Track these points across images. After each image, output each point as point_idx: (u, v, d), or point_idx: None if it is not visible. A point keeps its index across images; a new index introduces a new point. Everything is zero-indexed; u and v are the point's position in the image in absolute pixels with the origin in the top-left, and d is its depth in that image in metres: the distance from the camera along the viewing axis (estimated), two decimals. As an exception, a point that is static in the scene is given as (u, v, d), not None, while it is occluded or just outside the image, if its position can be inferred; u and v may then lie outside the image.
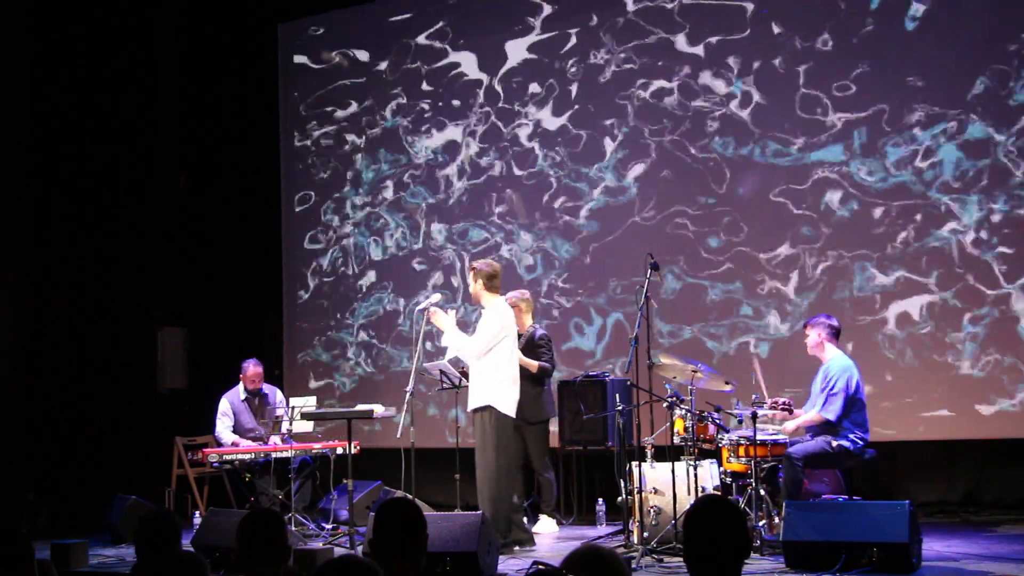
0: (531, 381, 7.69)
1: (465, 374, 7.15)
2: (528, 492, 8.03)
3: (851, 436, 6.64)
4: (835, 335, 6.92)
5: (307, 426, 8.27)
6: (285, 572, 3.61)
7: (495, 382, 6.76)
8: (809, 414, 6.76)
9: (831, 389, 6.66)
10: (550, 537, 7.66)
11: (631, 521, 6.66)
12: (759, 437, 6.52)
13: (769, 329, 8.45)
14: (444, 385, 7.38)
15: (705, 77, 8.74)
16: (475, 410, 6.82)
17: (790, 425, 6.78)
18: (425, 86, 9.93)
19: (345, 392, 10.04)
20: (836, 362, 6.79)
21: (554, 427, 8.17)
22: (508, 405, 6.77)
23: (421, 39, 9.96)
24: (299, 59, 10.60)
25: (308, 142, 10.50)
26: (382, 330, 10.01)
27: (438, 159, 9.85)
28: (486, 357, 6.78)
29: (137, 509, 7.96)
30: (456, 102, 9.78)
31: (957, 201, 7.94)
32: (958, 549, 6.35)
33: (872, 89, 8.20)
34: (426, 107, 9.92)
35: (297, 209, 10.53)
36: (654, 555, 6.21)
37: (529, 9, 9.47)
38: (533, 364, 7.66)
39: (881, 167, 8.14)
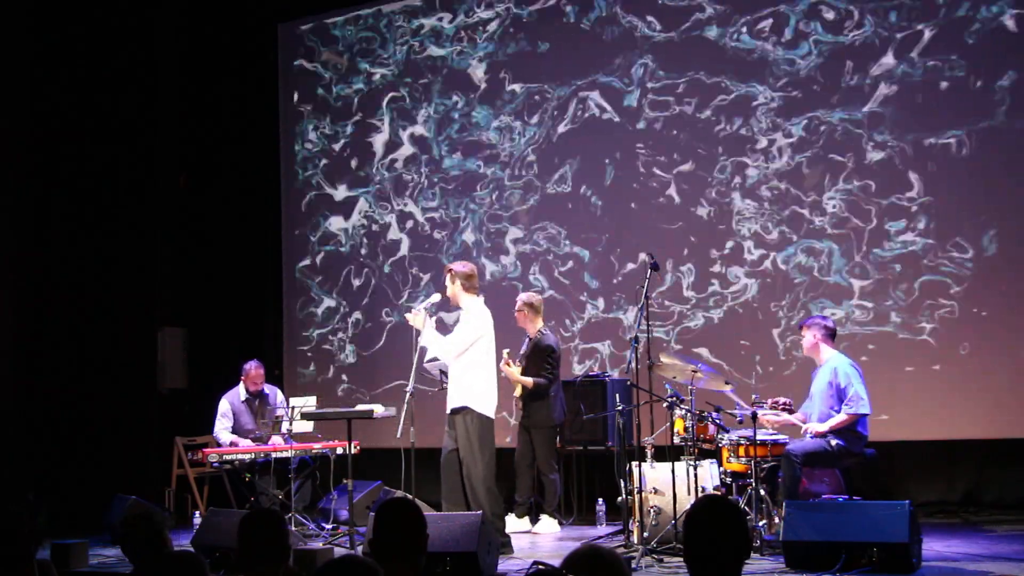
0: (531, 394, 7.77)
1: None
2: (531, 492, 8.05)
3: (851, 435, 6.63)
4: (831, 336, 6.92)
5: (307, 426, 8.27)
6: (285, 572, 3.61)
7: (471, 382, 6.74)
8: (839, 416, 6.63)
9: (850, 386, 6.63)
10: (550, 537, 7.68)
11: (631, 521, 6.67)
12: (759, 437, 6.52)
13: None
14: (444, 385, 7.37)
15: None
16: (453, 411, 6.80)
17: (822, 427, 6.66)
18: (427, 87, 9.93)
19: (345, 391, 10.04)
20: (840, 362, 6.79)
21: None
22: (486, 405, 6.75)
23: (422, 39, 9.97)
24: (299, 59, 10.60)
25: (308, 142, 10.50)
26: (382, 330, 10.00)
27: (439, 160, 9.85)
28: (464, 358, 6.77)
29: (137, 509, 7.97)
30: (458, 104, 9.78)
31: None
32: (958, 549, 6.35)
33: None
34: (428, 108, 9.91)
35: (297, 209, 10.53)
36: (654, 555, 6.21)
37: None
38: (528, 381, 7.77)
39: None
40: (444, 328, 7.29)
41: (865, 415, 6.64)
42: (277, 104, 10.67)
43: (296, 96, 10.59)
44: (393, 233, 10.03)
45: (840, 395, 6.67)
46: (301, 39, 10.60)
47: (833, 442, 6.60)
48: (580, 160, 9.22)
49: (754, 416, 6.45)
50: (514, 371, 7.80)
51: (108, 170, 10.21)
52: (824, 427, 6.66)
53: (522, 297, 8.09)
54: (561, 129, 9.30)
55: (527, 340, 8.03)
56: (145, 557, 3.82)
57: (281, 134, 10.66)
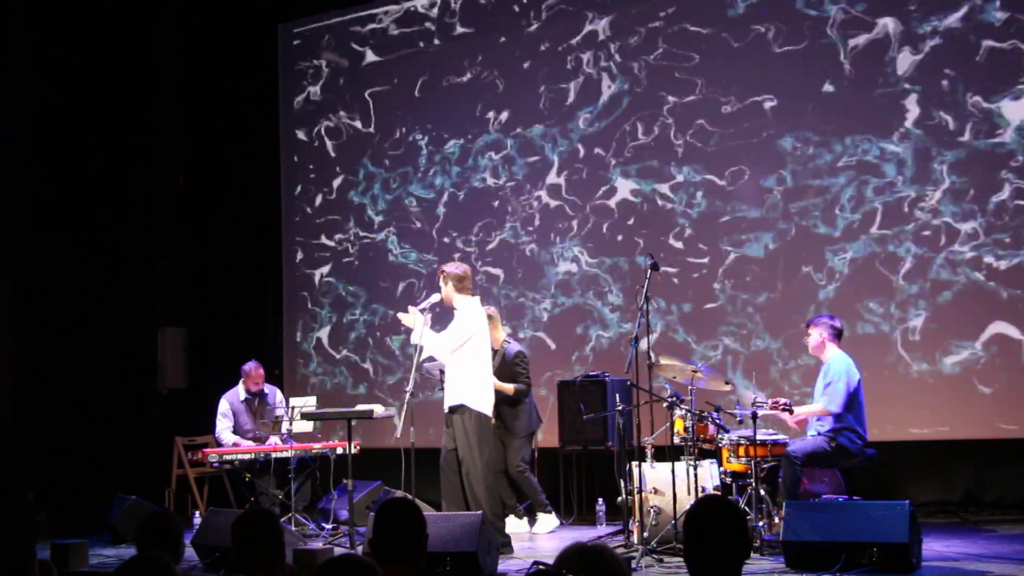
0: (507, 402, 7.73)
1: None
2: (519, 498, 8.03)
3: (850, 435, 6.65)
4: (837, 335, 6.93)
5: (307, 426, 8.27)
6: (285, 571, 3.61)
7: (467, 380, 6.74)
8: (813, 406, 6.76)
9: (833, 382, 6.67)
10: (550, 537, 7.68)
11: (631, 521, 6.67)
12: (759, 437, 6.52)
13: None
14: (444, 385, 7.37)
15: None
16: (451, 410, 6.80)
17: (799, 414, 6.75)
18: (428, 86, 9.93)
19: (345, 392, 10.04)
20: (836, 359, 6.81)
21: (548, 433, 8.22)
22: (483, 403, 6.74)
23: (423, 38, 9.97)
24: (299, 59, 10.60)
25: (308, 142, 10.50)
26: (382, 330, 10.00)
27: (441, 161, 9.85)
28: (458, 356, 6.76)
29: (137, 509, 7.97)
30: (459, 103, 9.78)
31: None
32: (958, 549, 6.36)
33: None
34: (428, 107, 9.91)
35: (297, 209, 10.53)
36: (654, 555, 6.21)
37: (532, 8, 9.51)
38: (508, 387, 7.71)
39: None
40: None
41: (832, 413, 6.66)
42: (277, 104, 10.68)
43: (297, 96, 10.59)
44: (393, 233, 10.02)
45: (824, 389, 6.76)
46: (301, 39, 10.60)
47: (833, 442, 6.61)
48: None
49: (754, 416, 6.46)
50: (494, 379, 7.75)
51: (108, 170, 10.21)
52: (802, 413, 6.77)
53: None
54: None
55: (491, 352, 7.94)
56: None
57: (281, 134, 10.66)
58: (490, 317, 7.88)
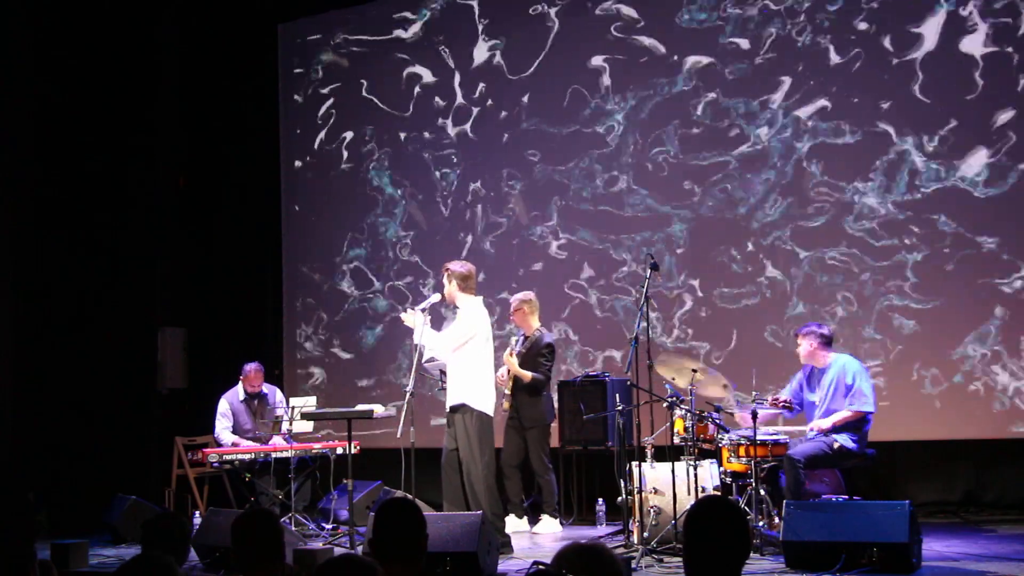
0: (526, 390, 7.74)
1: None
2: (528, 493, 8.07)
3: (851, 436, 6.65)
4: (827, 343, 6.91)
5: (307, 426, 8.27)
6: (285, 571, 3.61)
7: (468, 379, 6.74)
8: (843, 412, 6.67)
9: (854, 384, 6.67)
10: (550, 537, 7.68)
11: (631, 521, 6.67)
12: (759, 437, 6.52)
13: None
14: (444, 385, 7.38)
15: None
16: (451, 409, 6.81)
17: (826, 423, 6.70)
18: (428, 86, 9.93)
19: (346, 391, 10.04)
20: (847, 360, 6.84)
21: (554, 427, 8.21)
22: (483, 402, 6.74)
23: (424, 39, 9.97)
24: (299, 59, 10.59)
25: (308, 142, 10.49)
26: (382, 330, 10.00)
27: (441, 159, 9.84)
28: (460, 355, 6.77)
29: (137, 509, 7.98)
30: (459, 101, 9.77)
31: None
32: (958, 549, 6.36)
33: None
34: (428, 107, 9.91)
35: (297, 209, 10.53)
36: (654, 555, 6.21)
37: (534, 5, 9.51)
38: (526, 375, 7.74)
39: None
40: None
41: (869, 412, 6.66)
42: (277, 104, 10.67)
43: (297, 96, 10.58)
44: (393, 232, 10.02)
45: (846, 392, 6.70)
46: (301, 39, 10.59)
47: (836, 444, 6.61)
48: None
49: (754, 415, 6.45)
50: (514, 362, 7.76)
51: (108, 170, 10.21)
52: (828, 422, 6.68)
53: (519, 296, 8.08)
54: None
55: (522, 338, 8.02)
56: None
57: (281, 134, 10.66)
58: (529, 302, 7.92)
